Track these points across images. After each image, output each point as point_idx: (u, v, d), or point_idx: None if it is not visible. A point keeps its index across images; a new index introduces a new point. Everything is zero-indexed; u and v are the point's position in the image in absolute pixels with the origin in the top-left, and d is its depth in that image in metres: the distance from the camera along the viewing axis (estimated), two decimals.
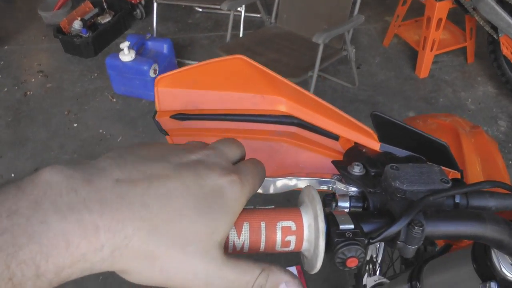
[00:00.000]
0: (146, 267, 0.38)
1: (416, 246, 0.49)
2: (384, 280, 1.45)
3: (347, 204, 0.55)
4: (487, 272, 0.59)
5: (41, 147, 3.18)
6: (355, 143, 0.62)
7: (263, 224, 0.46)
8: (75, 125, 3.35)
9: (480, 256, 0.60)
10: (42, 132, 3.29)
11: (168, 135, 0.63)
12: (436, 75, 3.65)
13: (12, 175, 2.99)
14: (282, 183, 0.58)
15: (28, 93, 3.66)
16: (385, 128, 0.59)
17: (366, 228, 0.49)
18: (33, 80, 3.82)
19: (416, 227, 0.47)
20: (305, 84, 3.01)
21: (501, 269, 0.57)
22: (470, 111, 3.34)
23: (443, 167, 0.60)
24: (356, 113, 3.22)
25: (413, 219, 0.48)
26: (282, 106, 0.64)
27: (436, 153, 0.59)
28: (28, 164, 3.05)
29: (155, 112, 0.63)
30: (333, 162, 0.58)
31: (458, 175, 0.60)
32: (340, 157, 0.65)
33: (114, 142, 3.19)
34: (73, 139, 3.24)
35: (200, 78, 0.62)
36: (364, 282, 1.60)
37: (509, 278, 0.56)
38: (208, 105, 0.64)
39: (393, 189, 0.52)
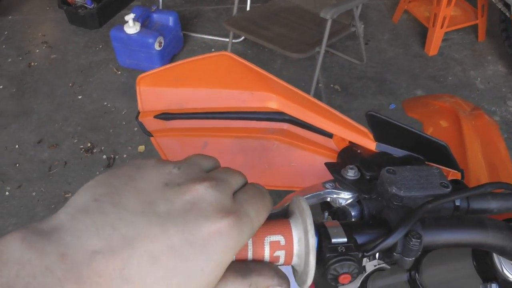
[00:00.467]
0: None
1: (413, 259, 0.46)
2: (384, 265, 1.43)
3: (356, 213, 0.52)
4: (488, 272, 0.56)
5: (46, 118, 3.17)
6: (350, 142, 0.59)
7: (250, 240, 0.43)
8: (80, 97, 3.33)
9: (481, 256, 0.57)
10: (46, 104, 3.27)
11: (152, 136, 0.60)
12: (445, 53, 3.59)
13: (16, 146, 2.98)
14: (280, 211, 0.54)
15: (32, 64, 3.63)
16: (381, 128, 0.56)
17: (360, 239, 0.47)
18: (37, 51, 3.79)
19: (414, 239, 0.45)
20: (312, 60, 2.96)
21: (502, 270, 0.54)
22: (478, 90, 3.28)
23: (443, 167, 0.57)
24: (363, 90, 3.18)
25: (411, 230, 0.45)
26: (273, 103, 0.61)
27: (435, 152, 0.56)
28: (32, 135, 3.05)
29: (138, 112, 0.60)
30: (326, 164, 0.55)
31: (459, 176, 0.57)
32: (334, 156, 0.62)
33: (118, 115, 3.17)
34: (78, 111, 3.22)
35: (185, 75, 0.59)
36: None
37: (511, 279, 0.54)
38: (194, 103, 0.60)
39: (390, 195, 0.49)
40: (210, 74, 0.60)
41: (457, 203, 0.52)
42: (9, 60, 3.69)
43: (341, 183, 0.53)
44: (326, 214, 0.50)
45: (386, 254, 0.47)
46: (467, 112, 1.00)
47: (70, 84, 3.42)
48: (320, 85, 3.22)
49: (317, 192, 0.54)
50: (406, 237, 0.45)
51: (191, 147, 0.61)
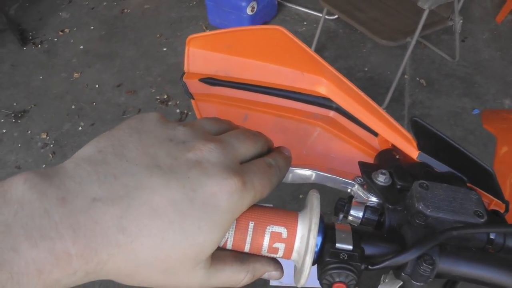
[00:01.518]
0: (127, 280, 0.36)
1: (423, 284, 0.42)
2: None
3: (360, 214, 0.49)
4: None
5: (128, 65, 3.25)
6: (392, 145, 0.55)
7: (251, 225, 0.41)
8: (165, 49, 3.39)
9: None
10: (131, 51, 3.36)
11: (194, 98, 0.59)
12: None
13: (97, 86, 3.08)
14: (299, 173, 0.52)
15: (125, 10, 3.73)
16: (426, 138, 0.51)
17: (369, 250, 0.43)
18: None
19: (425, 264, 0.41)
20: (403, 49, 2.84)
21: None
22: None
23: (486, 194, 0.52)
24: (449, 89, 3.03)
25: (425, 254, 0.41)
26: (322, 88, 0.57)
27: (482, 177, 0.51)
28: (113, 78, 3.14)
29: (183, 72, 0.58)
30: (359, 163, 0.52)
31: (503, 207, 0.52)
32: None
33: None
34: (160, 62, 3.28)
35: (236, 44, 0.56)
36: None
37: None
38: (241, 73, 0.58)
39: (415, 211, 0.45)
40: (261, 46, 0.57)
41: (492, 237, 0.47)
42: (104, 3, 3.81)
43: (369, 186, 0.50)
44: (341, 216, 0.47)
45: (395, 273, 0.44)
46: None
47: (158, 36, 3.48)
48: (405, 76, 3.09)
49: (345, 180, 0.52)
50: (419, 260, 0.41)
51: (230, 117, 0.59)
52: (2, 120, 2.88)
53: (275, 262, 0.44)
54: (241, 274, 0.41)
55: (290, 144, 0.60)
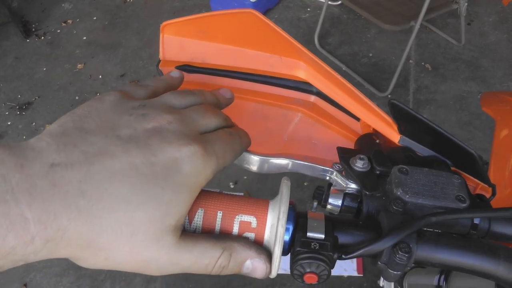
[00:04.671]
0: (90, 255, 0.35)
1: (400, 272, 0.41)
2: None
3: (338, 203, 0.47)
4: None
5: (131, 54, 3.24)
6: (374, 130, 0.53)
7: (219, 214, 0.40)
8: None
9: None
10: (134, 40, 3.34)
11: None
12: None
13: (100, 76, 3.07)
14: (275, 163, 0.50)
15: (128, 0, 3.70)
16: (407, 122, 0.49)
17: (344, 239, 0.42)
18: None
19: (401, 252, 0.39)
20: (407, 34, 2.81)
21: None
22: None
23: (472, 178, 0.50)
24: (455, 73, 2.99)
25: (401, 241, 0.40)
26: (301, 72, 0.56)
27: (466, 160, 0.49)
28: (116, 68, 3.13)
29: (159, 60, 0.57)
30: (338, 148, 0.50)
31: (489, 191, 0.50)
32: None
33: None
34: None
35: (211, 29, 0.55)
36: None
37: None
38: (218, 59, 0.57)
39: (393, 197, 0.44)
40: (237, 31, 0.55)
41: (476, 221, 0.45)
42: None
43: (347, 172, 0.48)
44: (316, 203, 0.46)
45: (372, 261, 0.42)
46: None
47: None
48: (410, 61, 3.06)
49: (321, 166, 0.50)
50: (394, 248, 0.39)
51: None
52: (7, 113, 2.89)
53: (258, 248, 0.40)
54: (216, 251, 0.38)
55: (270, 130, 0.59)
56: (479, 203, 0.47)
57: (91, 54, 3.24)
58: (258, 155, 0.49)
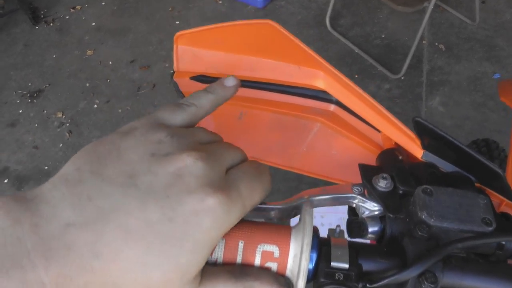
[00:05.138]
0: None
1: None
2: None
3: (377, 228, 0.46)
4: None
5: (141, 39, 3.22)
6: (395, 144, 0.52)
7: (241, 244, 0.39)
8: (177, 22, 3.34)
9: None
10: (143, 25, 3.32)
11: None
12: None
13: (110, 62, 3.06)
14: (295, 206, 0.48)
15: None
16: (430, 139, 0.48)
17: (368, 266, 0.41)
18: None
19: (427, 283, 0.38)
20: (420, 14, 2.76)
21: None
22: None
23: (496, 194, 0.49)
24: (469, 53, 2.94)
25: (427, 270, 0.38)
26: (320, 82, 0.54)
27: (491, 177, 0.48)
28: (126, 54, 3.12)
29: (173, 72, 0.55)
30: (360, 165, 0.49)
31: None
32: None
33: None
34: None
35: (225, 40, 0.53)
36: None
37: None
38: (234, 70, 0.55)
39: (418, 220, 0.42)
40: (253, 41, 0.54)
41: (502, 242, 0.44)
42: None
43: (369, 192, 0.47)
44: (338, 229, 0.44)
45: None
46: None
47: (170, 9, 3.43)
48: (424, 42, 3.01)
49: (343, 195, 0.48)
50: (420, 277, 0.38)
51: (225, 115, 0.56)
52: (18, 101, 2.89)
53: (280, 283, 0.39)
54: None
55: (288, 141, 0.57)
56: (506, 223, 0.45)
57: (101, 40, 3.23)
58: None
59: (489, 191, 0.48)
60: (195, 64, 0.55)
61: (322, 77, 0.54)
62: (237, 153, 0.41)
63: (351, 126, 0.57)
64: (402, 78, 2.79)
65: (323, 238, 0.42)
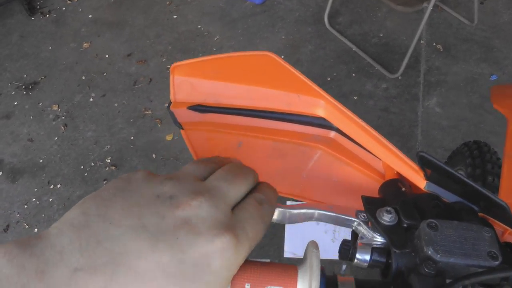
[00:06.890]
0: None
1: None
2: None
3: (367, 258, 0.45)
4: None
5: (138, 33, 3.20)
6: (398, 174, 0.52)
7: (247, 287, 0.39)
8: (175, 16, 3.32)
9: None
10: (141, 19, 3.30)
11: (183, 128, 0.55)
12: None
13: (107, 55, 3.04)
14: (300, 213, 0.48)
15: None
16: (434, 173, 0.48)
17: None
18: None
19: None
20: (420, 13, 2.76)
21: None
22: None
23: (499, 224, 0.48)
24: (467, 54, 2.94)
25: None
26: (321, 110, 0.53)
27: (495, 208, 0.48)
28: (123, 48, 3.10)
29: (170, 102, 0.55)
30: (363, 198, 0.48)
31: None
32: (381, 181, 0.54)
33: (210, 40, 3.14)
34: (171, 30, 3.22)
35: (224, 69, 0.53)
36: None
37: None
38: (232, 99, 0.54)
39: (424, 255, 0.42)
40: (252, 72, 0.53)
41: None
42: None
43: (373, 224, 0.47)
44: (344, 266, 0.44)
45: None
46: None
47: (168, 3, 3.41)
48: (422, 41, 3.00)
49: (347, 217, 0.48)
50: None
51: (224, 144, 0.55)
52: (13, 93, 2.87)
53: None
54: None
55: (288, 169, 0.57)
56: (511, 255, 0.45)
57: (97, 33, 3.20)
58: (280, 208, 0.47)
59: (492, 220, 0.48)
60: (193, 95, 0.54)
61: (323, 106, 0.53)
62: (242, 183, 0.40)
63: (352, 153, 0.56)
64: (400, 77, 2.79)
65: (329, 278, 0.41)
